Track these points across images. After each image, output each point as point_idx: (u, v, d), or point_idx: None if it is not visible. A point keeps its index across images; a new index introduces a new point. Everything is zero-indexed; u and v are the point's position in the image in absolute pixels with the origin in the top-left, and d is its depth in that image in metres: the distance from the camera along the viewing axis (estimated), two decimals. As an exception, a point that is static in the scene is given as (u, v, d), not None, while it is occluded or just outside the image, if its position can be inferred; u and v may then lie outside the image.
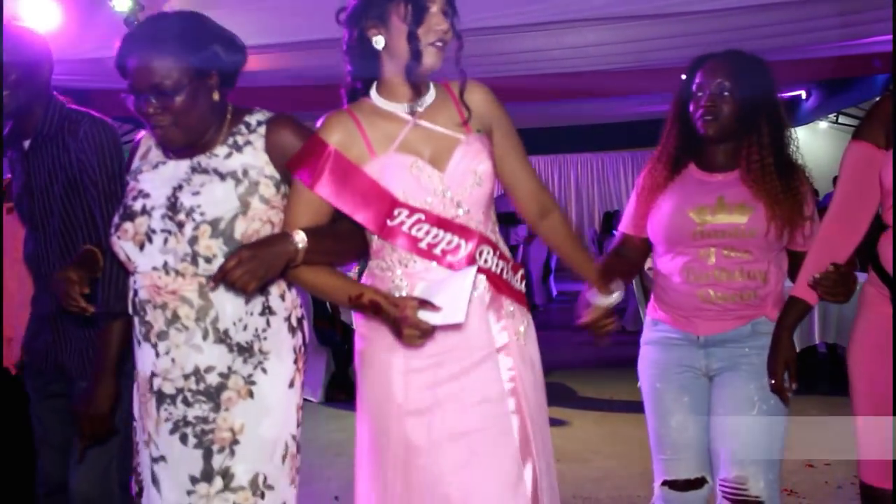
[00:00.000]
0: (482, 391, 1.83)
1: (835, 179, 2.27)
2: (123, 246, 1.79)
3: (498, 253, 1.90)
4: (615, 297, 2.25)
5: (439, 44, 1.80)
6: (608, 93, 8.46)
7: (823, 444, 4.20)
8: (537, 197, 2.09)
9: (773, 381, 2.17)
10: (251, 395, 1.79)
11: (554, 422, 2.52)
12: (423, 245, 1.80)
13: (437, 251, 1.81)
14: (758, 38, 5.53)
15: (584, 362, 6.73)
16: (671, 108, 2.40)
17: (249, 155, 1.81)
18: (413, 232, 1.80)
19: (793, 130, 2.35)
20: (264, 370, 1.81)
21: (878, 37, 6.01)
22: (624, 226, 2.52)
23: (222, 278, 1.66)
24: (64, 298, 1.80)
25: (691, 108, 2.30)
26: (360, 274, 1.94)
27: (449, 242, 1.81)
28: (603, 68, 7.17)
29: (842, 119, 11.32)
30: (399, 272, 1.81)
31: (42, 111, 2.12)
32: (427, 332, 1.70)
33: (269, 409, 1.80)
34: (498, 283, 1.91)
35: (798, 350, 3.43)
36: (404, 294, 1.76)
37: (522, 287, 2.00)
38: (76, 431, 2.02)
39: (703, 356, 2.32)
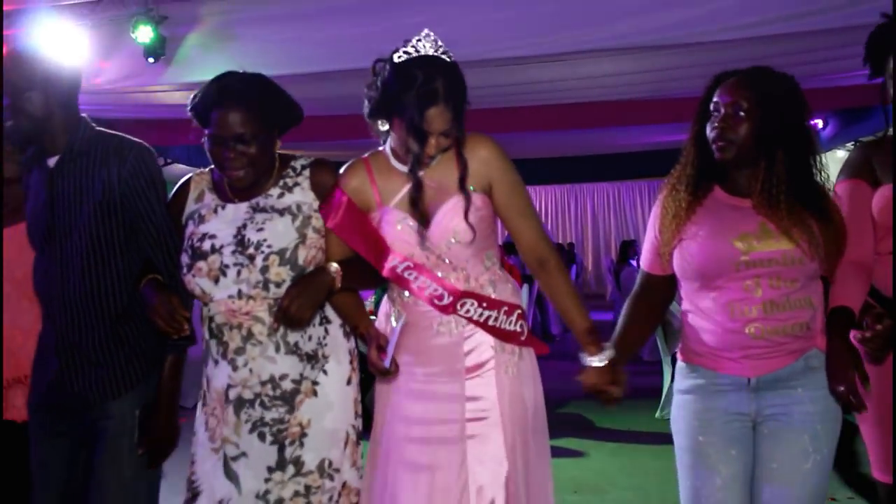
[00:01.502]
0: (446, 414, 2.08)
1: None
2: (199, 282, 2.03)
3: (485, 304, 2.08)
4: (607, 354, 2.12)
5: (441, 139, 2.00)
6: (625, 122, 8.46)
7: (845, 478, 4.15)
8: (535, 249, 2.16)
9: (841, 389, 1.94)
10: (315, 394, 2.07)
11: (570, 452, 2.51)
12: (414, 287, 2.07)
13: (426, 294, 2.07)
14: (775, 68, 5.55)
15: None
16: (691, 127, 2.19)
17: (299, 194, 2.08)
18: (405, 275, 2.07)
19: (821, 157, 2.15)
20: (325, 372, 2.10)
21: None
22: (645, 263, 2.25)
23: (283, 315, 1.94)
24: (168, 319, 1.94)
25: (708, 129, 2.10)
26: (378, 300, 2.14)
27: (435, 290, 2.06)
28: (620, 98, 7.20)
29: (859, 148, 11.28)
30: (397, 302, 2.11)
31: (69, 130, 2.15)
32: (381, 371, 2.02)
33: (331, 404, 2.09)
34: (485, 329, 2.11)
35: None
36: (399, 319, 2.06)
37: (518, 327, 2.13)
38: (106, 463, 2.08)
39: (753, 400, 2.07)
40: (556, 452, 2.42)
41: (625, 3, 4.90)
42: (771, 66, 2.15)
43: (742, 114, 2.05)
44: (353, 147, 10.07)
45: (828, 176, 2.15)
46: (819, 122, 10.82)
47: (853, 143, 11.16)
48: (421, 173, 2.05)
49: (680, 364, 2.21)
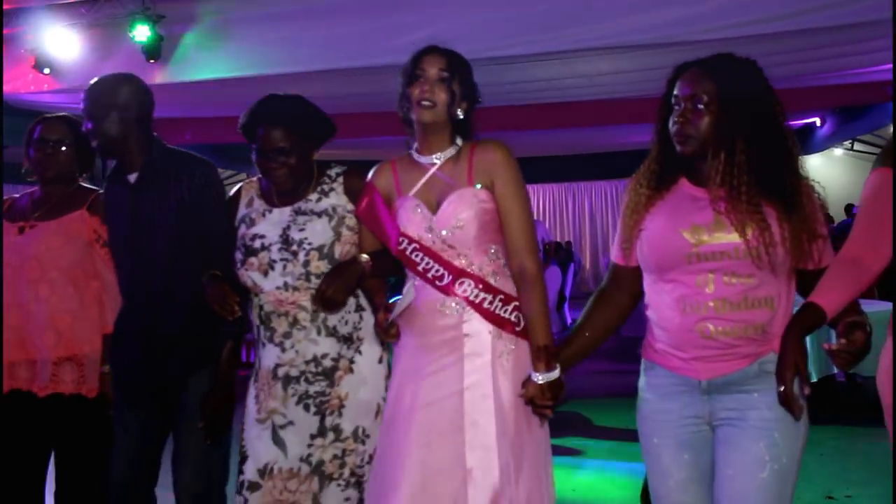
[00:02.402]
0: (449, 386, 2.22)
1: (847, 207, 2.18)
2: (251, 276, 2.33)
3: (481, 286, 2.22)
4: (552, 375, 2.13)
5: (425, 104, 2.18)
6: (622, 120, 8.44)
7: (843, 476, 4.14)
8: (518, 257, 2.25)
9: (781, 389, 1.85)
10: (352, 371, 2.36)
11: (568, 451, 2.52)
12: (420, 269, 2.25)
13: (429, 276, 2.24)
14: (772, 66, 5.52)
15: (600, 391, 6.68)
16: (655, 121, 2.10)
17: (334, 198, 2.38)
18: (412, 257, 2.25)
19: (790, 138, 2.01)
20: (360, 352, 2.38)
21: (891, 64, 6.01)
22: (613, 254, 2.21)
23: (321, 298, 2.23)
24: (221, 306, 2.27)
25: (669, 123, 2.01)
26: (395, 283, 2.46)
27: (437, 271, 2.24)
28: (617, 96, 7.21)
29: (857, 146, 11.30)
30: (409, 282, 2.30)
31: (145, 149, 2.48)
32: (385, 332, 2.27)
33: (365, 379, 2.37)
34: (479, 311, 2.23)
35: (815, 379, 3.36)
36: (408, 294, 2.27)
37: (513, 317, 2.24)
38: (186, 431, 2.47)
39: (706, 403, 2.01)
40: (554, 451, 2.41)
41: (622, 0, 4.92)
42: (734, 53, 2.05)
43: (701, 107, 1.96)
44: (350, 146, 10.18)
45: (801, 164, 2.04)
46: (817, 121, 10.86)
47: (850, 141, 11.23)
48: (437, 167, 2.26)
49: (642, 361, 2.15)
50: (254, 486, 2.34)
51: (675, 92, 2.01)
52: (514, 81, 5.96)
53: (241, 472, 2.38)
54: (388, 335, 2.29)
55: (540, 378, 2.13)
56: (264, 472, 2.34)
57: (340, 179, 2.40)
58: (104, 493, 2.56)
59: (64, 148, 2.62)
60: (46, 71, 5.83)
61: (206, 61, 5.48)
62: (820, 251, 1.98)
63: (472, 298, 2.22)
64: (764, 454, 1.93)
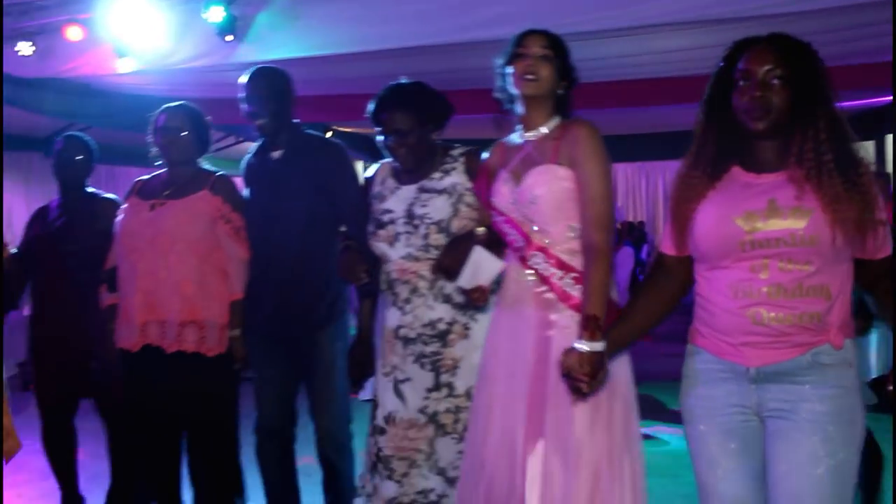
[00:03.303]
0: (520, 355, 2.38)
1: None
2: (380, 245, 2.64)
3: (553, 261, 2.33)
4: (596, 346, 2.11)
5: (529, 77, 2.31)
6: (698, 98, 8.21)
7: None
8: (588, 232, 2.30)
9: (892, 387, 1.89)
10: (466, 336, 2.60)
11: (642, 435, 2.48)
12: (509, 238, 2.42)
13: (514, 246, 2.41)
14: (856, 40, 5.31)
15: (673, 374, 6.54)
16: (704, 103, 2.07)
17: (455, 176, 2.62)
18: (502, 227, 2.43)
19: (845, 120, 1.97)
20: (475, 319, 2.60)
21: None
22: (662, 244, 2.19)
23: (439, 267, 2.50)
24: (351, 272, 2.63)
25: (736, 99, 1.96)
26: None
27: (518, 241, 2.39)
28: (693, 73, 6.99)
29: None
30: (478, 252, 2.45)
31: (288, 130, 2.88)
32: (471, 295, 2.45)
33: (479, 345, 2.57)
34: (547, 282, 2.35)
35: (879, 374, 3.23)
36: (492, 262, 2.43)
37: (578, 293, 2.29)
38: (321, 382, 2.88)
39: (753, 392, 1.95)
40: (626, 434, 2.39)
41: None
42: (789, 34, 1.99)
43: (777, 81, 1.91)
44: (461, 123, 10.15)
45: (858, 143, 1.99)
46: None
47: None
48: (530, 142, 2.39)
49: (688, 346, 2.12)
50: (381, 431, 2.65)
51: (740, 66, 1.95)
52: (583, 59, 5.83)
53: (373, 417, 2.70)
54: (474, 298, 2.45)
55: (584, 347, 2.12)
56: (388, 419, 2.65)
57: (462, 159, 2.63)
58: (224, 438, 2.99)
59: (184, 134, 2.95)
60: (123, 53, 5.92)
61: (278, 41, 5.49)
62: (880, 239, 1.91)
63: (541, 271, 2.34)
64: (818, 449, 1.86)
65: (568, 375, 2.14)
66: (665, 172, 16.39)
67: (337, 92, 7.55)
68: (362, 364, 2.81)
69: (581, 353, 2.11)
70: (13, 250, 3.50)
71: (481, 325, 2.60)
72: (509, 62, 2.36)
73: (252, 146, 3.05)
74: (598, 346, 2.12)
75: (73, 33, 6.03)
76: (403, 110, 2.57)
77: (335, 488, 3.06)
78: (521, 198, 2.37)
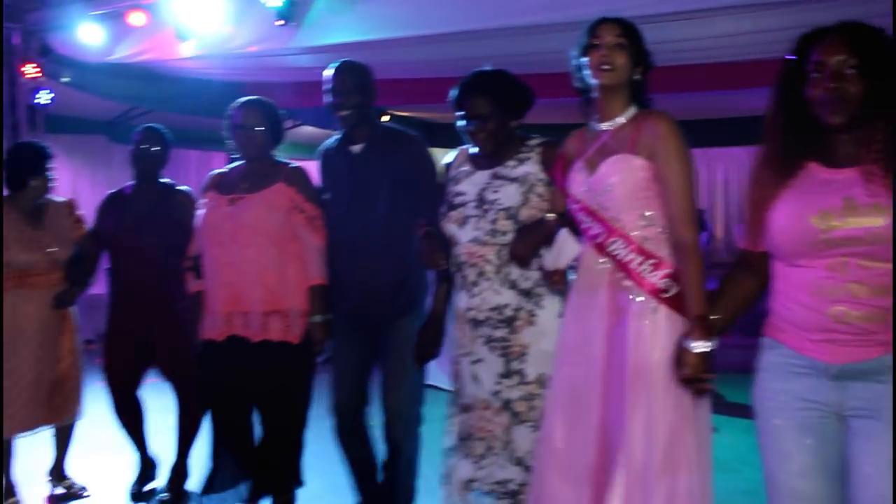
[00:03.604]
0: (592, 345, 2.40)
1: None
2: (450, 227, 2.71)
3: (632, 247, 2.33)
4: (710, 344, 2.16)
5: (605, 67, 2.31)
6: (761, 83, 7.99)
7: None
8: (675, 228, 2.30)
9: None
10: (533, 322, 2.63)
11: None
12: (584, 226, 2.44)
13: (589, 234, 2.42)
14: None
15: (733, 365, 6.41)
16: (774, 96, 2.03)
17: (529, 165, 2.65)
18: (578, 216, 2.44)
19: None
20: (541, 306, 2.63)
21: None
22: (742, 239, 2.17)
23: (511, 254, 2.55)
24: (431, 259, 2.71)
25: (809, 91, 1.90)
26: None
27: (594, 229, 2.40)
28: (757, 57, 6.82)
29: None
30: (560, 236, 2.52)
31: (369, 124, 2.97)
32: (549, 277, 2.56)
33: (546, 331, 2.62)
34: (626, 271, 2.33)
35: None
36: (570, 245, 2.49)
37: (661, 283, 2.30)
38: (394, 362, 2.96)
39: (834, 390, 1.89)
40: (686, 427, 2.35)
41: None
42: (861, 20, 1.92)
43: (851, 71, 1.84)
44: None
45: None
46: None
47: None
48: (607, 132, 2.40)
49: (764, 339, 2.09)
50: (466, 408, 2.75)
51: (814, 58, 1.89)
52: (653, 42, 5.73)
53: (458, 395, 2.79)
54: (553, 282, 2.54)
55: (699, 347, 2.16)
56: (468, 398, 2.74)
57: (538, 150, 2.68)
58: (297, 420, 3.11)
59: (260, 129, 3.03)
60: (184, 38, 5.99)
61: (337, 25, 5.49)
62: None
63: (620, 257, 2.34)
64: None
65: (687, 377, 2.19)
66: (725, 159, 16.07)
67: (393, 76, 7.56)
68: (429, 344, 2.89)
69: (698, 354, 2.16)
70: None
71: (547, 311, 2.64)
72: (584, 53, 2.36)
73: (330, 139, 3.13)
74: (709, 345, 2.17)
75: (137, 19, 6.12)
76: (485, 96, 2.63)
77: (395, 470, 3.10)
78: (596, 186, 2.39)
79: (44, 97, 7.15)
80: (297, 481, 3.26)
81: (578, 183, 2.45)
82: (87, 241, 3.55)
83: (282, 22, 5.42)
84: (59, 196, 3.63)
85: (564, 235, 2.49)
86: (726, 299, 2.21)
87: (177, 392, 3.67)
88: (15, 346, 3.36)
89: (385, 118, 12.05)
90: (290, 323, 3.02)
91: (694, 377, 2.19)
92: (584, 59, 2.36)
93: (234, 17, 5.87)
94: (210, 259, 3.07)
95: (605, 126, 2.43)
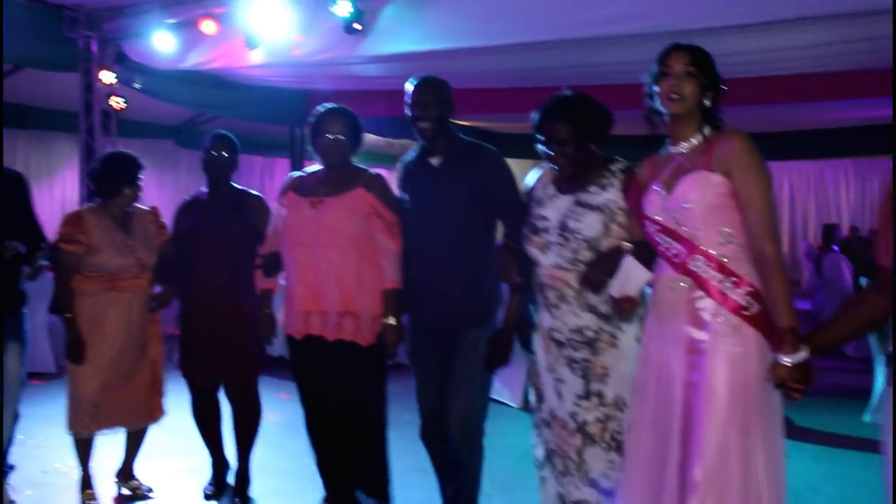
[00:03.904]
0: (670, 368, 2.39)
1: None
2: (532, 251, 2.75)
3: (713, 264, 2.33)
4: (801, 356, 2.14)
5: (674, 97, 2.36)
6: (827, 96, 7.81)
7: None
8: (756, 244, 2.30)
9: None
10: (615, 345, 2.66)
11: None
12: (661, 248, 2.44)
13: (668, 254, 2.41)
14: None
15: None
16: None
17: (611, 192, 2.66)
18: (655, 237, 2.45)
19: None
20: (622, 329, 2.67)
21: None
22: (876, 255, 2.06)
23: (585, 281, 2.59)
24: (506, 272, 2.80)
25: None
26: None
27: (673, 248, 2.40)
28: (822, 70, 6.70)
29: None
30: (628, 261, 2.51)
31: (447, 137, 3.04)
32: (615, 305, 2.54)
33: (626, 355, 2.64)
34: (707, 288, 2.34)
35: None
36: (638, 271, 2.49)
37: (744, 301, 2.30)
38: (460, 370, 3.00)
39: None
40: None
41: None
42: None
43: None
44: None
45: None
46: None
47: None
48: (680, 154, 2.44)
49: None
50: (546, 423, 2.80)
51: None
52: (718, 55, 5.66)
53: (539, 409, 2.84)
54: (621, 307, 2.52)
55: (787, 360, 2.16)
56: (552, 414, 2.77)
57: (620, 176, 2.69)
58: (369, 422, 3.21)
59: (342, 137, 3.10)
60: (254, 46, 6.11)
61: (404, 34, 5.54)
62: None
63: (701, 274, 2.34)
64: None
65: (781, 386, 2.20)
66: (791, 173, 15.76)
67: (455, 86, 7.61)
68: (500, 351, 2.96)
69: (787, 366, 2.16)
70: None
71: (628, 335, 2.67)
72: (655, 81, 2.41)
73: (410, 151, 3.22)
74: (802, 355, 2.15)
75: (208, 27, 6.27)
76: (564, 121, 2.67)
77: (458, 481, 3.12)
78: (673, 204, 2.39)
79: (117, 102, 7.35)
80: (385, 482, 3.34)
81: (655, 204, 2.45)
82: (170, 247, 3.67)
83: (357, 30, 5.49)
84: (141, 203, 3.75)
85: (630, 263, 2.50)
86: (847, 318, 2.16)
87: (235, 397, 3.72)
88: (100, 347, 3.48)
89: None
90: (361, 325, 3.11)
91: (787, 385, 2.19)
92: (655, 88, 2.41)
93: (303, 25, 5.96)
94: (290, 259, 3.17)
95: (678, 149, 2.45)
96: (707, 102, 2.40)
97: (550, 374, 2.79)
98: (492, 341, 2.97)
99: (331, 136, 3.11)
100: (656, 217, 2.44)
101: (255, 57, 6.27)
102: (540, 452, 2.85)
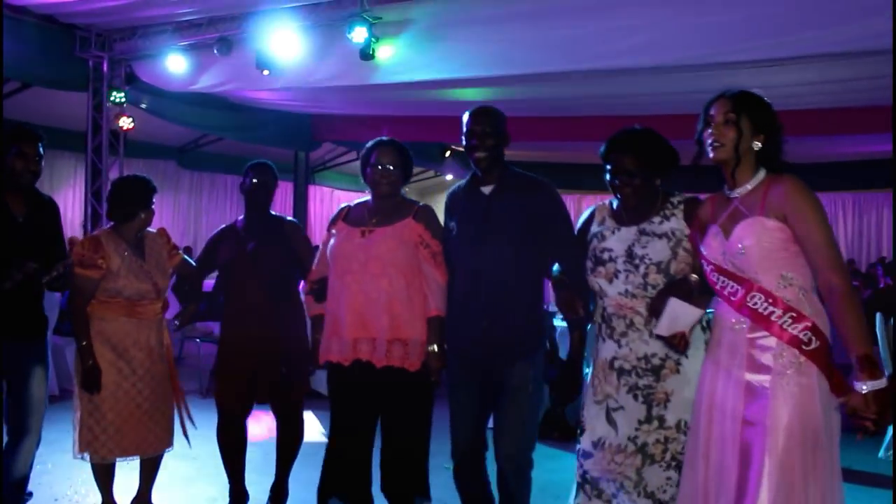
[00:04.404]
0: (727, 407, 2.42)
1: None
2: (599, 282, 2.78)
3: (771, 300, 2.36)
4: (878, 384, 2.12)
5: (714, 144, 2.43)
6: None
7: None
8: (823, 275, 2.33)
9: None
10: (678, 371, 2.70)
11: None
12: (718, 287, 2.49)
13: (725, 293, 2.46)
14: None
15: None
16: None
17: (674, 222, 2.73)
18: (712, 277, 2.50)
19: None
20: (686, 356, 2.69)
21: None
22: None
23: (651, 310, 2.63)
24: (571, 307, 2.75)
25: None
26: None
27: (731, 287, 2.44)
28: (843, 105, 6.76)
29: None
30: (671, 304, 2.59)
31: (500, 167, 3.06)
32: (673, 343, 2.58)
33: (690, 380, 2.66)
34: (766, 324, 2.36)
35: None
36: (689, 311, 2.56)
37: (803, 336, 2.31)
38: (509, 407, 2.99)
39: None
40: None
41: (859, 3, 4.56)
42: None
43: None
44: (562, 148, 9.95)
45: None
46: None
47: None
48: (738, 199, 2.48)
49: None
50: (587, 455, 2.80)
51: None
52: (747, 87, 5.69)
53: (578, 441, 2.85)
54: (673, 343, 2.57)
55: (864, 387, 2.15)
56: (597, 444, 2.78)
57: (681, 206, 2.76)
58: (417, 447, 3.20)
59: (393, 168, 3.14)
60: (266, 72, 6.11)
61: (419, 62, 5.56)
62: None
63: (760, 311, 2.35)
64: None
65: (853, 416, 2.17)
66: (827, 203, 15.70)
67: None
68: (570, 387, 2.99)
69: (865, 395, 2.15)
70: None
71: (693, 360, 2.70)
72: (703, 128, 2.49)
73: (459, 182, 3.25)
74: (880, 383, 2.13)
75: (221, 51, 6.26)
76: (632, 153, 2.74)
77: None
78: (730, 249, 2.43)
79: (125, 123, 7.33)
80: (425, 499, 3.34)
81: (714, 248, 2.49)
82: (183, 266, 3.66)
83: (370, 59, 5.50)
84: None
85: (675, 304, 2.55)
86: None
87: (282, 418, 3.77)
88: (123, 373, 3.44)
89: (447, 153, 12.21)
90: (410, 351, 3.13)
91: (859, 416, 2.17)
92: (703, 135, 2.48)
93: (317, 51, 5.96)
94: (340, 286, 3.20)
95: (734, 193, 2.49)
96: (757, 145, 2.43)
97: (601, 405, 2.80)
98: (561, 377, 3.01)
99: (381, 167, 3.16)
100: (714, 259, 2.48)
101: (268, 81, 6.26)
102: (578, 479, 2.86)
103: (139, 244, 3.52)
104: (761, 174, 2.46)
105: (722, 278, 2.46)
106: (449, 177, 12.69)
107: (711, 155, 2.45)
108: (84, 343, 3.37)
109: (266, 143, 9.38)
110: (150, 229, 3.61)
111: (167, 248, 3.63)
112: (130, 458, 3.55)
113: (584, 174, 10.24)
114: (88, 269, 3.37)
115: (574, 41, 4.98)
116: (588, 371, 2.91)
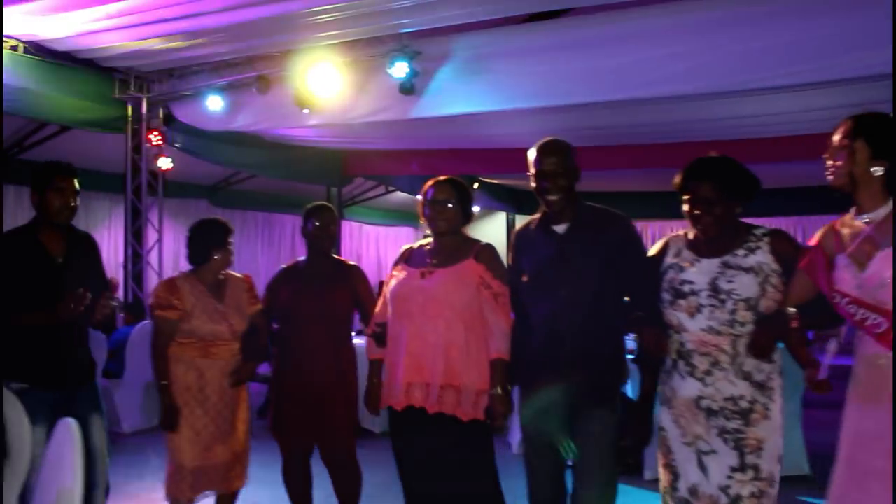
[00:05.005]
0: (875, 445, 2.30)
1: None
2: (678, 315, 2.67)
3: None
4: None
5: (829, 171, 2.39)
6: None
7: None
8: None
9: None
10: (767, 417, 2.60)
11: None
12: (856, 319, 2.33)
13: (866, 325, 2.31)
14: None
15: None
16: None
17: (760, 255, 2.63)
18: (848, 309, 2.34)
19: None
20: (773, 399, 2.62)
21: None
22: None
23: (754, 345, 2.54)
24: (658, 347, 2.68)
25: None
26: None
27: (873, 319, 2.29)
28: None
29: None
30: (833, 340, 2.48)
31: (574, 204, 2.93)
32: (813, 384, 2.42)
33: (777, 427, 2.62)
34: None
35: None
36: (832, 343, 2.45)
37: None
38: (591, 457, 2.82)
39: None
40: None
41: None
42: None
43: None
44: (600, 178, 9.93)
45: None
46: None
47: None
48: (869, 227, 2.38)
49: None
50: (686, 502, 2.70)
51: None
52: (786, 112, 5.69)
53: (674, 488, 2.74)
54: (820, 390, 2.41)
55: None
56: (693, 491, 2.68)
57: (766, 239, 2.66)
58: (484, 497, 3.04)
59: (450, 205, 3.09)
60: (306, 110, 6.14)
61: (459, 95, 5.58)
62: None
63: None
64: None
65: None
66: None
67: (501, 146, 7.64)
68: (640, 438, 2.85)
69: None
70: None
71: (777, 405, 2.64)
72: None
73: (527, 221, 3.14)
74: None
75: (259, 89, 6.32)
76: (710, 181, 2.66)
77: None
78: (869, 282, 2.31)
79: (164, 163, 7.40)
80: None
81: (847, 280, 2.36)
82: (260, 318, 3.67)
83: (413, 93, 5.54)
84: (234, 271, 3.75)
85: (832, 344, 2.44)
86: None
87: (334, 465, 3.69)
88: (199, 412, 3.45)
89: (474, 185, 12.22)
90: (462, 399, 3.02)
91: None
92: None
93: (357, 87, 6.00)
94: (398, 329, 3.11)
95: (865, 219, 2.39)
96: (878, 170, 2.34)
97: (692, 447, 2.67)
98: (630, 428, 2.86)
99: (437, 204, 3.10)
100: (849, 293, 2.35)
101: (307, 118, 6.30)
102: None
103: (219, 286, 3.56)
104: (891, 202, 2.35)
105: (861, 310, 2.32)
106: (476, 209, 12.70)
107: (830, 181, 2.40)
108: (164, 383, 3.41)
109: (299, 180, 9.43)
110: (235, 273, 3.66)
111: (248, 294, 3.66)
112: (203, 497, 3.55)
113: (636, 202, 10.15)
114: (166, 311, 3.43)
115: (615, 71, 4.99)
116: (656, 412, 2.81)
